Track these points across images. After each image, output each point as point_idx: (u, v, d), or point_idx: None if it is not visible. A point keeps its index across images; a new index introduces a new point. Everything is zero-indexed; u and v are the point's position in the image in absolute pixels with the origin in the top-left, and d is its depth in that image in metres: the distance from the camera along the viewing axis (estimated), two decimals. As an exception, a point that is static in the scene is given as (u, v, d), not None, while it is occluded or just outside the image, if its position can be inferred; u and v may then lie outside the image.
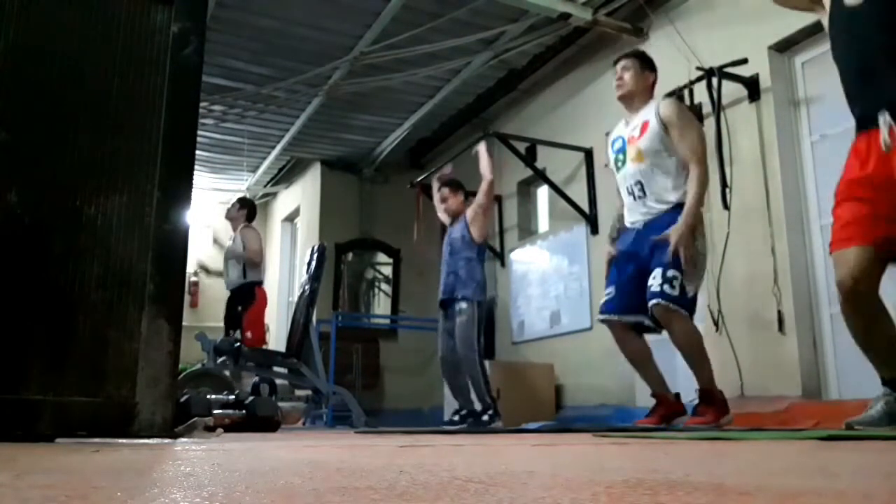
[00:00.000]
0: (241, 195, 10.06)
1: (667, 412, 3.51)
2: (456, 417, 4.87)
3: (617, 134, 3.76)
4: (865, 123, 2.43)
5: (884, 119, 2.34)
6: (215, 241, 6.37)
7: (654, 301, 3.34)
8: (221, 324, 6.38)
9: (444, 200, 5.21)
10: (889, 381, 2.48)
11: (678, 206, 3.44)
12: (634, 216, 3.61)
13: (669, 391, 3.59)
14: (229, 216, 6.46)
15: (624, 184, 3.66)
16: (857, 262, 2.37)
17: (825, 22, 2.65)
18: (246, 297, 6.04)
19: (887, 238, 2.37)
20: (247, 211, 6.42)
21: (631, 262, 3.57)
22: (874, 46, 2.44)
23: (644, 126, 3.56)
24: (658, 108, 3.56)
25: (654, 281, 3.35)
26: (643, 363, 3.62)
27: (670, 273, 3.33)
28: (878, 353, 2.47)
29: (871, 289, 2.39)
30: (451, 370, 4.92)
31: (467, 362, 4.75)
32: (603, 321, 3.67)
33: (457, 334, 4.81)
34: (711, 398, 3.41)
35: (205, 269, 6.44)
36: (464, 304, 4.80)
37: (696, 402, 3.49)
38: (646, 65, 3.73)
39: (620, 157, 3.67)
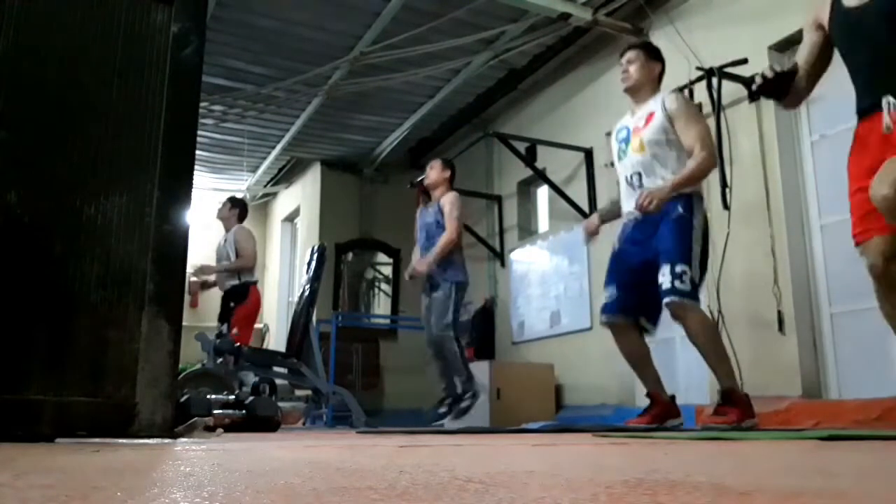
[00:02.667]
0: (238, 195, 10.11)
1: (660, 412, 3.50)
2: (442, 409, 4.88)
3: (622, 124, 3.75)
4: (870, 110, 2.44)
5: (887, 102, 2.36)
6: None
7: (667, 299, 3.31)
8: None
9: (430, 168, 5.18)
10: None
11: (676, 199, 3.41)
12: (632, 206, 3.60)
13: (665, 392, 3.58)
14: (221, 216, 6.37)
15: (624, 173, 3.65)
16: (885, 245, 2.39)
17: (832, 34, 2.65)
18: (238, 295, 6.03)
19: None
20: (238, 210, 6.34)
21: (630, 258, 3.56)
22: (883, 39, 2.45)
23: (650, 117, 3.55)
24: (664, 100, 3.55)
25: (665, 278, 3.32)
26: (641, 363, 3.61)
27: (679, 268, 3.30)
28: None
29: None
30: (435, 350, 4.93)
31: (441, 340, 4.77)
32: (606, 325, 3.65)
33: (432, 312, 4.83)
34: (733, 398, 3.34)
35: (207, 284, 6.34)
36: (441, 284, 4.81)
37: (718, 402, 3.43)
38: (651, 55, 3.70)
39: (623, 146, 3.66)
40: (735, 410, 3.30)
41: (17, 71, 1.97)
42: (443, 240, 4.84)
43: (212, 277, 6.27)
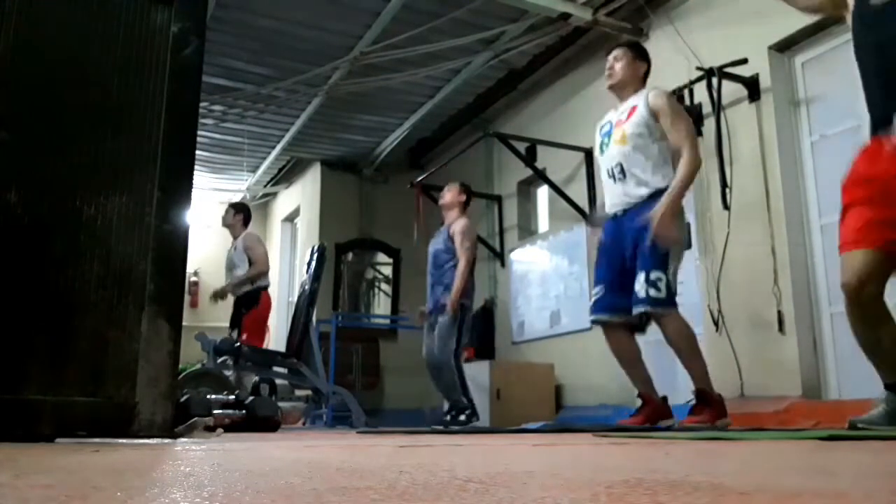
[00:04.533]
0: (239, 197, 10.09)
1: (652, 413, 3.50)
2: (448, 417, 4.89)
3: (606, 119, 3.78)
4: (882, 125, 2.40)
5: None
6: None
7: (641, 308, 3.35)
8: (221, 324, 6.37)
9: (447, 190, 5.21)
10: (892, 385, 2.48)
11: (658, 193, 3.41)
12: (613, 199, 3.61)
13: (656, 393, 3.58)
14: (226, 223, 6.37)
15: (605, 165, 3.66)
16: (863, 265, 2.36)
17: (849, 21, 2.60)
18: (251, 301, 6.01)
19: (894, 241, 2.37)
20: (243, 216, 6.35)
21: (616, 257, 3.56)
22: None
23: (632, 111, 3.57)
24: (647, 95, 3.57)
25: (640, 286, 3.34)
26: (632, 362, 3.61)
27: (654, 275, 3.32)
28: (881, 357, 2.46)
29: (877, 292, 2.39)
30: (433, 370, 4.96)
31: (441, 366, 4.79)
32: (594, 322, 3.67)
33: (436, 335, 4.86)
34: (708, 399, 3.39)
35: (220, 296, 6.29)
36: (445, 310, 4.83)
37: (693, 402, 3.48)
38: (638, 55, 3.74)
39: (606, 140, 3.68)
40: (709, 411, 3.34)
41: (17, 71, 1.97)
42: (458, 274, 4.88)
43: (229, 290, 6.22)
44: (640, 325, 3.55)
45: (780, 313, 4.23)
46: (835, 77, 4.32)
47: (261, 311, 6.05)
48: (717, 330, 4.55)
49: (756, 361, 4.33)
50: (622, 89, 3.69)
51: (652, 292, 3.30)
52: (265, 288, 6.12)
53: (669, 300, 3.35)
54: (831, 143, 4.28)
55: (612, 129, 3.65)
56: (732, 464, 1.22)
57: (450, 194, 5.19)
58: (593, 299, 3.66)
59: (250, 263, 6.00)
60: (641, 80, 3.71)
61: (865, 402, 3.65)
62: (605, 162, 3.67)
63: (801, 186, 4.42)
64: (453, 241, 4.98)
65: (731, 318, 4.49)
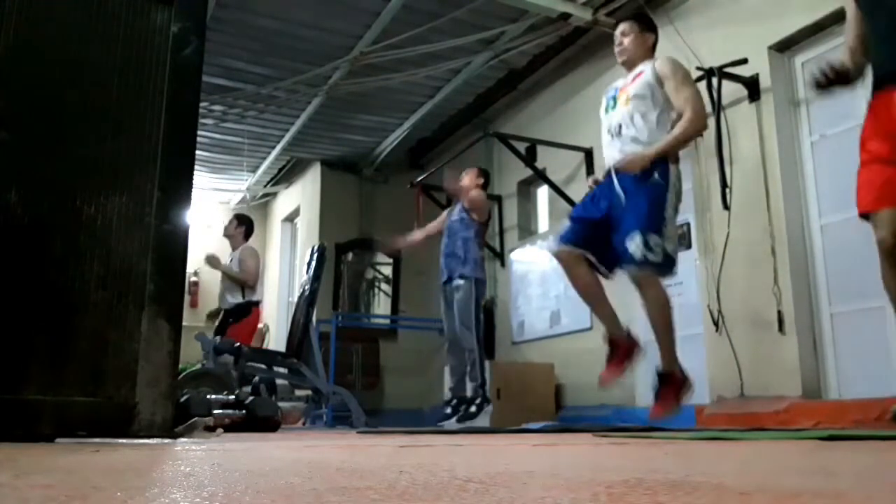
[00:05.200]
0: (239, 197, 10.10)
1: (624, 353, 3.52)
2: (448, 410, 4.90)
3: (613, 85, 3.78)
4: (885, 81, 2.42)
5: None
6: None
7: (635, 270, 3.32)
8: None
9: (465, 174, 5.28)
10: None
11: (653, 165, 3.40)
12: (609, 153, 3.60)
13: (621, 328, 3.58)
14: (227, 233, 6.39)
15: (606, 124, 3.67)
16: (894, 221, 2.39)
17: None
18: (239, 313, 6.02)
19: None
20: (245, 228, 6.36)
21: (603, 204, 3.52)
22: None
23: (638, 76, 3.59)
24: (655, 62, 3.59)
25: (636, 247, 3.30)
26: (597, 297, 3.59)
27: (652, 240, 3.29)
28: None
29: None
30: (456, 348, 4.98)
31: (465, 339, 4.83)
32: (554, 252, 3.63)
33: (455, 311, 4.90)
34: (672, 379, 3.40)
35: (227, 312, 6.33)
36: (461, 282, 4.91)
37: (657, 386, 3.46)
38: (645, 26, 3.74)
39: (611, 102, 3.69)
40: (671, 390, 3.37)
41: (17, 71, 1.97)
42: (474, 197, 5.04)
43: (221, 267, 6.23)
44: (599, 268, 3.53)
45: (780, 313, 4.23)
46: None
47: (250, 323, 6.09)
48: (717, 330, 4.54)
49: (756, 361, 4.32)
50: (633, 64, 3.68)
51: (650, 255, 3.28)
52: (257, 304, 6.15)
53: (664, 266, 3.33)
54: (831, 143, 4.28)
55: (617, 93, 3.67)
56: (732, 464, 1.22)
57: (468, 177, 5.24)
58: (560, 232, 3.63)
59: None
60: (651, 51, 3.71)
61: (866, 402, 3.65)
62: (607, 121, 3.67)
63: (801, 186, 4.42)
64: (468, 213, 5.02)
65: (731, 318, 4.49)
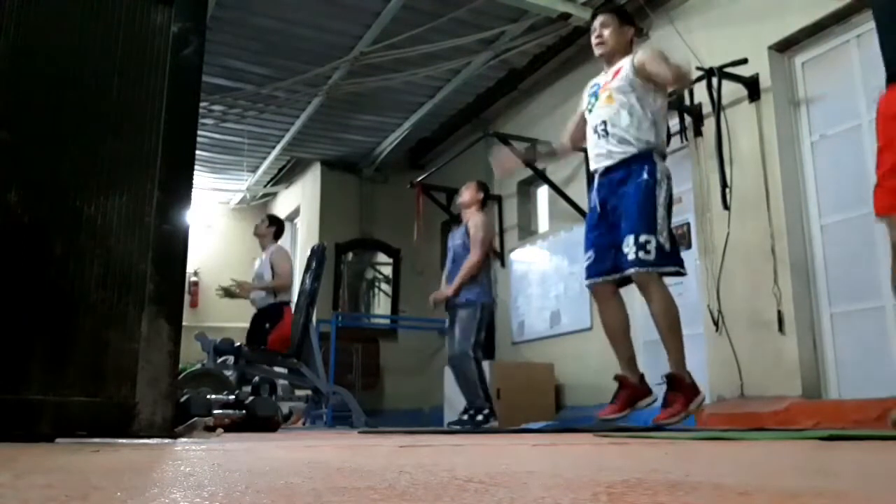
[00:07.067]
0: (239, 197, 10.09)
1: (630, 396, 3.50)
2: (465, 417, 4.88)
3: (594, 81, 3.77)
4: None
5: None
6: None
7: (631, 270, 3.33)
8: (221, 324, 6.36)
9: (465, 189, 5.23)
10: None
11: (640, 157, 3.42)
12: (597, 157, 3.59)
13: (636, 373, 3.57)
14: (258, 233, 6.38)
15: (591, 124, 3.65)
16: None
17: None
18: (274, 316, 5.96)
19: None
20: (275, 228, 6.35)
21: (602, 221, 3.55)
22: None
23: (618, 71, 3.58)
24: (634, 55, 3.58)
25: (629, 249, 3.33)
26: (619, 335, 3.58)
27: (643, 238, 3.30)
28: None
29: None
30: (454, 367, 4.96)
31: (461, 359, 4.79)
32: (589, 286, 3.63)
33: (456, 331, 4.87)
34: (680, 384, 3.37)
35: (229, 293, 6.21)
36: (466, 305, 4.85)
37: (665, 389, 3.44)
38: (624, 20, 3.73)
39: (593, 100, 3.68)
40: (680, 396, 3.33)
41: (17, 71, 1.97)
42: (467, 263, 4.91)
43: (247, 293, 6.19)
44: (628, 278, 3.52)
45: (780, 313, 4.23)
46: (835, 77, 4.33)
47: (285, 328, 5.98)
48: (717, 330, 4.55)
49: (756, 361, 4.32)
50: (612, 57, 3.66)
51: (641, 254, 3.29)
52: (287, 303, 6.09)
53: (661, 260, 3.32)
54: (831, 143, 4.28)
55: (598, 91, 3.65)
56: (732, 464, 1.22)
57: (468, 193, 5.21)
58: (585, 264, 3.64)
59: (273, 277, 6.00)
60: (629, 45, 3.70)
61: (866, 403, 3.65)
62: (591, 120, 3.66)
63: (801, 186, 4.42)
64: (469, 237, 4.99)
65: (731, 318, 4.49)
